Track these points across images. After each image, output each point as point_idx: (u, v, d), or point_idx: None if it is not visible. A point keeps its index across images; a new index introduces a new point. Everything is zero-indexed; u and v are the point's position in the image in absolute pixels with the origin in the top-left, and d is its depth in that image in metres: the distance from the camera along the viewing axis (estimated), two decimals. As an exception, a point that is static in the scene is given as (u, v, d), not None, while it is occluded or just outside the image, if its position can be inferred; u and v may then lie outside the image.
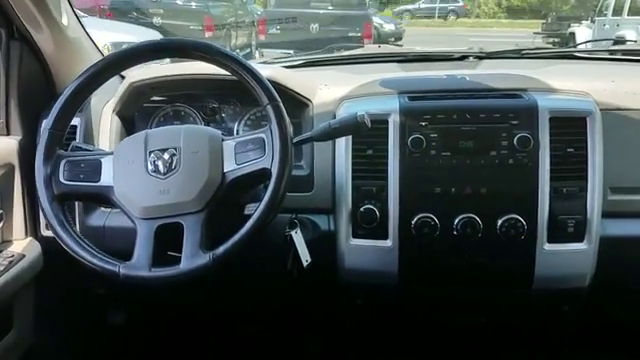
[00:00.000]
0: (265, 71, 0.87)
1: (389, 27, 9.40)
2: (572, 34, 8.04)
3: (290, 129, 0.82)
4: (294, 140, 0.85)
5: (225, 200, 0.84)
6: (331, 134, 0.87)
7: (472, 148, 0.95)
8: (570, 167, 0.94)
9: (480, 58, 1.26)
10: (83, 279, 1.06)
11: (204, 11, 6.41)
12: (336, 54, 1.48)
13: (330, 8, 6.66)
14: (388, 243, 0.99)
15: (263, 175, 0.82)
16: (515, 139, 0.93)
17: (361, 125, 0.85)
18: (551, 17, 10.39)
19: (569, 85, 1.02)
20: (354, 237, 1.00)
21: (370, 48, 2.00)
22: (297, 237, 1.00)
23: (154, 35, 4.44)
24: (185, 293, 1.17)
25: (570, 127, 0.95)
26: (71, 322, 1.23)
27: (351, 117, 0.86)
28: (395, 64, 1.28)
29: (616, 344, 1.31)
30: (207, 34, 5.99)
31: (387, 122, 0.97)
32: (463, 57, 1.27)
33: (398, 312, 1.07)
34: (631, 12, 6.79)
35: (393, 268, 1.00)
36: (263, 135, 0.83)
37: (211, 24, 6.14)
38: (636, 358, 1.31)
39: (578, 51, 1.39)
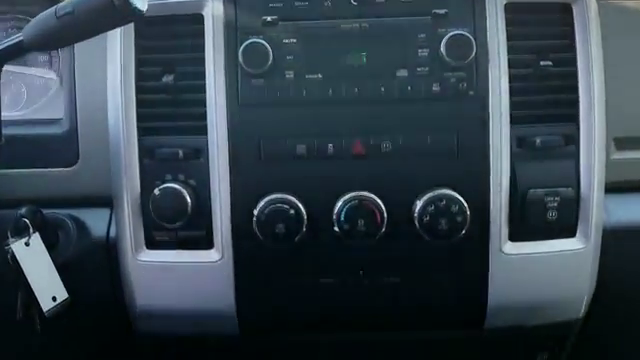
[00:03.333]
0: None
1: None
2: None
3: None
4: None
5: None
6: (62, 31, 0.44)
7: (364, 65, 0.53)
8: (547, 97, 0.53)
9: None
10: None
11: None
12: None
13: None
14: (213, 255, 0.54)
15: None
16: (443, 43, 0.50)
17: (121, 6, 0.40)
18: None
19: None
20: (149, 247, 0.54)
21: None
22: (28, 254, 0.51)
23: None
24: None
25: (544, 22, 0.54)
26: None
27: None
28: None
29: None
30: None
31: (201, 18, 0.54)
32: None
33: None
34: None
35: (226, 303, 0.54)
36: None
37: None
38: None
39: None
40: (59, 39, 0.47)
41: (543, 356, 0.59)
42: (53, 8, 0.45)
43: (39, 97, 0.62)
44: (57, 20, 0.45)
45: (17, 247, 0.52)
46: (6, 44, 0.47)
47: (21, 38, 0.46)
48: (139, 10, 0.43)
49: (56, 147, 0.58)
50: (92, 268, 0.56)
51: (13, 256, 0.52)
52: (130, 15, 0.43)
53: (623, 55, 0.57)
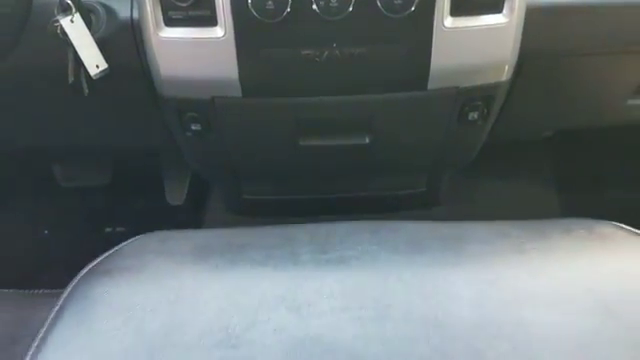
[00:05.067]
0: None
1: None
2: None
3: None
4: None
5: None
6: None
7: None
8: None
9: None
10: None
11: None
12: None
13: None
14: (218, 32, 0.64)
15: None
16: None
17: None
18: None
19: None
20: (167, 25, 0.65)
21: None
22: (73, 29, 0.64)
23: None
24: None
25: None
26: None
27: None
28: None
29: (532, 165, 1.09)
30: None
31: None
32: None
33: (250, 138, 0.77)
34: None
35: (231, 71, 0.67)
36: None
37: None
38: (558, 181, 1.12)
39: None
40: None
41: (474, 115, 0.77)
42: None
43: None
44: None
45: (65, 22, 0.64)
46: None
47: None
48: None
49: None
50: (122, 45, 0.68)
51: (62, 30, 0.65)
52: None
53: None
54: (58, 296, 0.55)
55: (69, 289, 0.46)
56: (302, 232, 0.45)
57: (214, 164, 0.86)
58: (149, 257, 0.45)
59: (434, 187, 0.95)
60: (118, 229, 1.14)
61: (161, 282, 0.42)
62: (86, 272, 0.48)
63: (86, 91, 0.68)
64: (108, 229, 1.14)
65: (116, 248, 0.49)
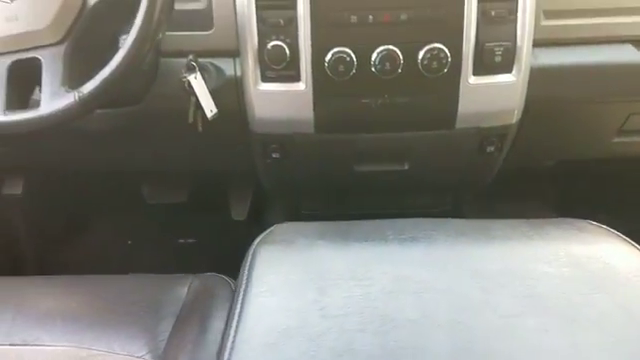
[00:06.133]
0: None
1: None
2: None
3: None
4: None
5: (92, 29, 0.69)
6: None
7: None
8: None
9: None
10: None
11: None
12: None
13: None
14: (301, 86, 0.87)
15: None
16: None
17: None
18: None
19: None
20: (263, 81, 0.88)
21: None
22: (197, 83, 0.87)
23: None
24: (85, 156, 1.05)
25: None
26: None
27: None
28: None
29: (543, 187, 1.31)
30: None
31: None
32: None
33: (317, 164, 0.99)
34: None
35: (308, 114, 0.90)
36: None
37: None
38: (560, 199, 1.33)
39: None
40: None
41: (491, 148, 0.98)
42: None
43: None
44: None
45: (191, 78, 0.87)
46: None
47: None
48: None
49: (199, 17, 0.87)
50: (227, 94, 0.89)
51: (189, 83, 0.88)
52: None
53: None
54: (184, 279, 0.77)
55: (252, 249, 0.68)
56: (384, 223, 0.68)
57: (284, 185, 1.09)
58: (295, 236, 0.69)
59: (457, 205, 1.17)
60: (189, 240, 1.36)
61: (307, 252, 0.64)
62: (255, 245, 0.70)
63: (200, 129, 0.91)
64: (181, 240, 1.36)
65: (266, 232, 0.72)
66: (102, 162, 1.09)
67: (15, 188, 1.15)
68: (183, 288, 0.77)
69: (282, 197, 1.20)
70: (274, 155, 0.98)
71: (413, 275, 0.59)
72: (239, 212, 1.31)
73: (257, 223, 1.32)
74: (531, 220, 0.69)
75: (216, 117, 0.89)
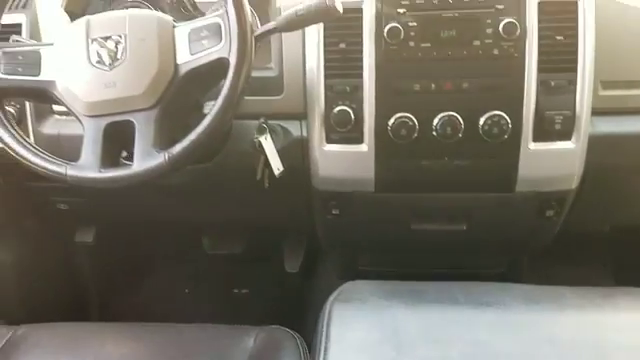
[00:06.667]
0: None
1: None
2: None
3: (248, 13, 0.73)
4: (257, 32, 0.77)
5: (180, 96, 0.77)
6: (297, 23, 0.77)
7: (454, 37, 0.86)
8: (559, 57, 0.86)
9: None
10: (40, 192, 1.00)
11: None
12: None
13: None
14: (363, 148, 0.92)
15: (221, 66, 0.74)
16: (501, 26, 0.84)
17: (331, 10, 0.76)
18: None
19: None
20: (328, 142, 0.93)
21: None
22: (267, 144, 0.93)
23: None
24: (155, 208, 1.12)
25: (560, 12, 0.85)
26: (42, 240, 1.19)
27: (319, 1, 0.77)
28: None
29: (598, 252, 1.29)
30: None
31: (361, 10, 0.88)
32: None
33: (375, 221, 1.02)
34: None
35: (369, 174, 0.94)
36: (219, 20, 0.74)
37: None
38: (616, 264, 1.30)
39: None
40: (295, 26, 0.80)
41: (550, 212, 0.99)
42: (294, 9, 0.76)
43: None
44: (296, 16, 0.79)
45: (262, 139, 0.93)
46: (264, 29, 0.83)
47: (275, 25, 0.78)
48: (339, 12, 0.81)
49: (271, 83, 0.94)
50: (293, 153, 0.95)
51: (260, 144, 0.94)
52: (334, 16, 0.81)
53: (609, 29, 0.89)
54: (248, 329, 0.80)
55: (327, 307, 0.70)
56: (454, 285, 0.70)
57: (341, 240, 1.12)
58: (368, 295, 0.71)
59: (514, 268, 1.16)
60: (243, 291, 1.39)
61: (382, 311, 0.67)
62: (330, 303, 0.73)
63: (267, 185, 0.96)
64: (235, 290, 1.39)
65: (338, 291, 0.75)
66: (169, 214, 1.16)
67: (87, 236, 1.23)
68: (249, 339, 0.80)
69: (337, 252, 1.23)
70: (334, 211, 1.02)
71: (489, 340, 0.60)
72: (292, 265, 1.34)
73: (309, 276, 1.35)
74: (599, 288, 0.69)
75: (282, 174, 0.94)
